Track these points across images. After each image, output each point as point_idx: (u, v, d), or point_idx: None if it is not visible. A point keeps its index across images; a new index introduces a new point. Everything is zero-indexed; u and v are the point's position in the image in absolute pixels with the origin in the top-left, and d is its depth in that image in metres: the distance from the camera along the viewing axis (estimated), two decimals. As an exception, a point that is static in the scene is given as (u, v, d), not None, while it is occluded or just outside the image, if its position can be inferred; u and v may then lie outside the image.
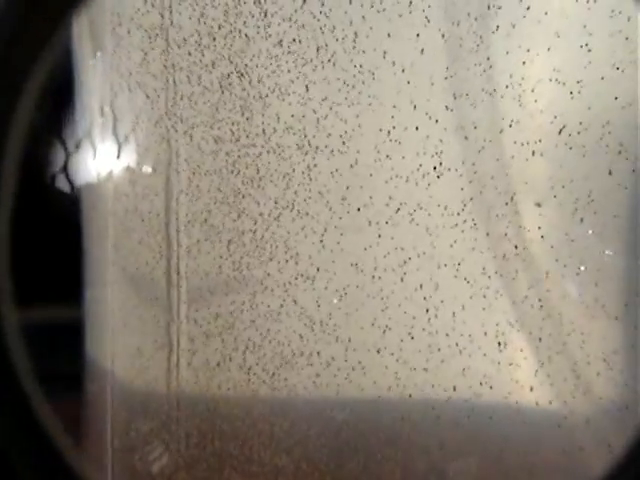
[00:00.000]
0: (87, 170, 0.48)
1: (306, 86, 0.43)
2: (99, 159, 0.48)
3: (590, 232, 0.40)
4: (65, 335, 0.47)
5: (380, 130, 0.42)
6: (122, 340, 0.46)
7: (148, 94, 0.45)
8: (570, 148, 0.40)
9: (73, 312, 0.47)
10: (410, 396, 0.42)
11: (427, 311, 0.42)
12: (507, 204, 0.41)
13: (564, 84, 0.40)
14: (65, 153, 0.50)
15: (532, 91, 0.41)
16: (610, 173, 0.40)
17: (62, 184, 0.50)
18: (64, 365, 0.48)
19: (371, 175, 0.43)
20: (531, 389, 0.41)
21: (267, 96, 0.43)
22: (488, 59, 0.41)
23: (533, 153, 0.41)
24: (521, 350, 0.42)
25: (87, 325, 0.47)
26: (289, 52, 0.43)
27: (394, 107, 0.42)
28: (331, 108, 0.43)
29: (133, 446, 0.46)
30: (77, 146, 0.49)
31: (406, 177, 0.42)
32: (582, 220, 0.40)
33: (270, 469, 0.44)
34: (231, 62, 0.44)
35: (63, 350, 0.48)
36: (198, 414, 0.45)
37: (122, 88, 0.46)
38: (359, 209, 0.43)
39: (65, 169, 0.50)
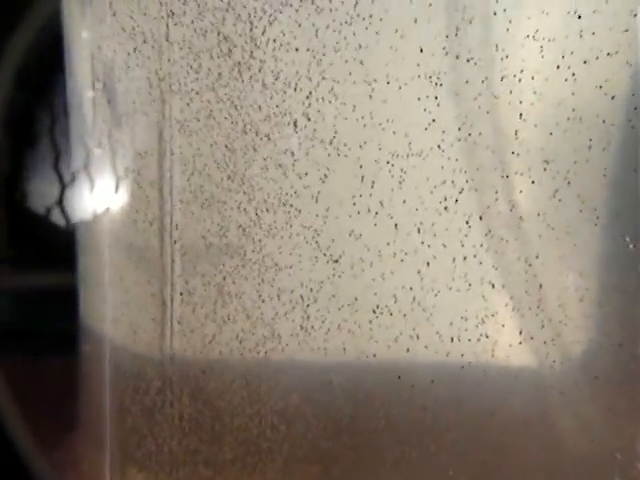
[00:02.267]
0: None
1: (307, 48, 0.42)
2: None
3: (576, 202, 0.40)
4: (62, 297, 0.48)
5: (376, 98, 0.42)
6: (116, 304, 0.47)
7: (142, 56, 0.44)
8: (567, 119, 0.40)
9: (69, 278, 0.48)
10: (404, 358, 0.43)
11: (420, 277, 0.43)
12: (499, 176, 0.41)
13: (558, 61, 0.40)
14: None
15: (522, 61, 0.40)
16: (590, 148, 0.40)
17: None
18: (61, 326, 0.49)
19: (365, 141, 0.42)
20: (516, 353, 0.42)
21: (264, 59, 0.42)
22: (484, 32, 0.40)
23: (524, 125, 0.40)
24: (509, 317, 0.42)
25: (81, 290, 0.48)
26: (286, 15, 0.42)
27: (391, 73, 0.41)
28: (324, 71, 0.42)
29: (127, 409, 0.47)
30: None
31: (402, 149, 0.42)
32: (569, 191, 0.40)
33: (263, 432, 0.45)
34: (228, 23, 0.43)
35: (60, 312, 0.49)
36: (191, 377, 0.46)
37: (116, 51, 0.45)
38: (356, 177, 0.43)
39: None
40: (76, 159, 0.48)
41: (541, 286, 0.41)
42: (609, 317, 0.40)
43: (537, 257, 0.41)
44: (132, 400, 0.47)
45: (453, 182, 0.41)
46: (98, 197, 0.47)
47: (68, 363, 0.48)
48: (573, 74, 0.39)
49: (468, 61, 0.40)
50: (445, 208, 0.42)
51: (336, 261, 0.43)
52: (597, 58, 0.39)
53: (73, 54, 0.46)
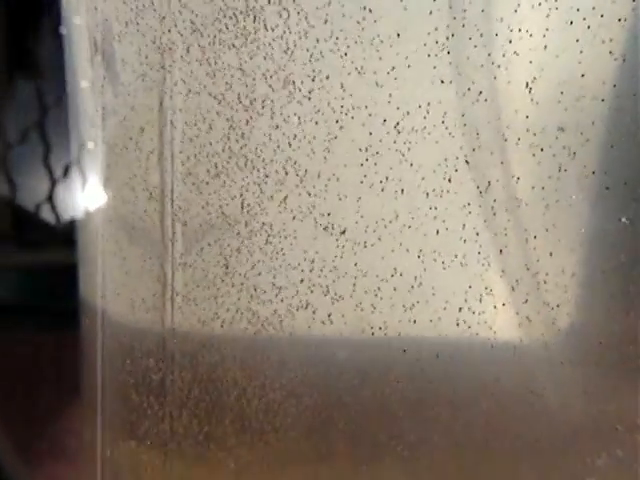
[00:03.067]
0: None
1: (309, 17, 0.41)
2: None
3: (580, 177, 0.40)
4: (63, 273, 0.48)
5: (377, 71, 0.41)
6: (116, 277, 0.47)
7: (142, 22, 0.44)
8: (573, 91, 0.40)
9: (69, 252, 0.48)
10: (409, 332, 0.43)
11: (418, 256, 0.43)
12: (497, 153, 0.41)
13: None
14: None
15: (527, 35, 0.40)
16: (593, 123, 0.40)
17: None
18: (62, 301, 0.49)
19: (369, 115, 0.42)
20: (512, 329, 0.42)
21: (269, 22, 0.42)
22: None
23: (527, 100, 0.40)
24: (501, 296, 0.42)
25: (81, 264, 0.48)
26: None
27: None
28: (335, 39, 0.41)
29: (127, 384, 0.47)
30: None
31: (402, 126, 0.42)
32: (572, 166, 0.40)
33: (264, 406, 0.45)
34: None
35: (62, 287, 0.49)
36: (192, 351, 0.46)
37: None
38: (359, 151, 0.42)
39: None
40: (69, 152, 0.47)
41: (538, 261, 0.41)
42: (606, 291, 0.41)
43: (535, 237, 0.41)
44: (132, 374, 0.47)
45: (457, 158, 0.41)
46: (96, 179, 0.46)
47: (67, 338, 0.48)
48: (579, 50, 0.39)
49: (471, 38, 0.40)
50: (449, 181, 0.42)
51: (343, 232, 0.43)
52: (604, 25, 0.39)
53: (72, 31, 0.46)
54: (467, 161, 0.41)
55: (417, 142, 0.41)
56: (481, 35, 0.40)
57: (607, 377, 0.41)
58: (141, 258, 0.46)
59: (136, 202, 0.46)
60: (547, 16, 0.39)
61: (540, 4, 0.39)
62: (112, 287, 0.47)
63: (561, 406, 0.42)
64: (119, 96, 0.45)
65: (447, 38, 0.40)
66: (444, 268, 0.42)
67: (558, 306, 0.41)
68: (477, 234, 0.41)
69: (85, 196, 0.46)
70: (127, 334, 0.47)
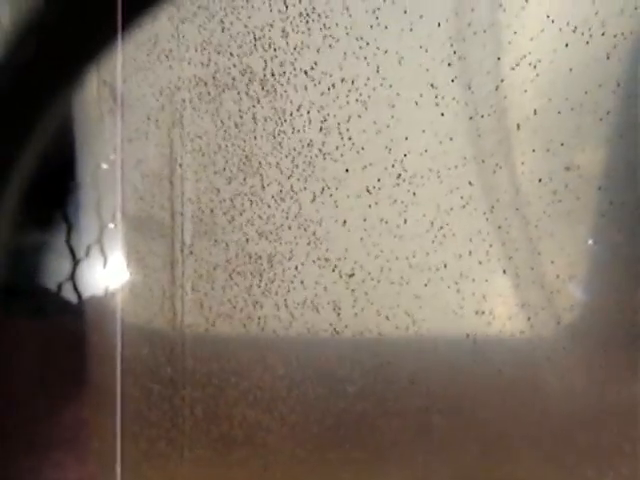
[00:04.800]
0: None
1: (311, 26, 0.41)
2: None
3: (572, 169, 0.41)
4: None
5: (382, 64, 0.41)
6: (127, 277, 0.46)
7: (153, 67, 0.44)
8: (566, 99, 0.40)
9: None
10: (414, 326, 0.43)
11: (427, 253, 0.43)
12: (501, 145, 0.41)
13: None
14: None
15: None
16: (602, 119, 0.40)
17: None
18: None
19: (369, 105, 0.42)
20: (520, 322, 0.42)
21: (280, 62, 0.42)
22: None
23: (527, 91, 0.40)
24: (507, 288, 0.42)
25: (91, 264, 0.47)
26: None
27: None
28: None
29: (140, 380, 0.47)
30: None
31: (407, 162, 0.42)
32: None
33: (277, 404, 0.45)
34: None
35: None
36: (204, 351, 0.46)
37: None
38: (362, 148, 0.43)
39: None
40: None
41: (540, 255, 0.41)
42: (611, 303, 0.41)
43: (540, 238, 0.41)
44: (144, 373, 0.47)
45: (462, 193, 0.41)
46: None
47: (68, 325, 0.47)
48: (572, 68, 0.40)
49: (484, 54, 0.40)
50: (448, 224, 0.42)
51: (351, 275, 0.43)
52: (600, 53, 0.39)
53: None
54: (471, 195, 0.41)
55: (423, 179, 0.42)
56: (484, 74, 0.40)
57: (611, 383, 0.41)
58: (151, 258, 0.46)
59: (147, 203, 0.46)
60: (542, 47, 0.40)
61: (531, 51, 0.40)
62: (124, 289, 0.47)
63: (575, 425, 0.42)
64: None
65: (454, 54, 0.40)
66: (455, 309, 0.42)
67: (560, 322, 0.41)
68: (481, 261, 0.42)
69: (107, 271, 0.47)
70: (138, 335, 0.47)
